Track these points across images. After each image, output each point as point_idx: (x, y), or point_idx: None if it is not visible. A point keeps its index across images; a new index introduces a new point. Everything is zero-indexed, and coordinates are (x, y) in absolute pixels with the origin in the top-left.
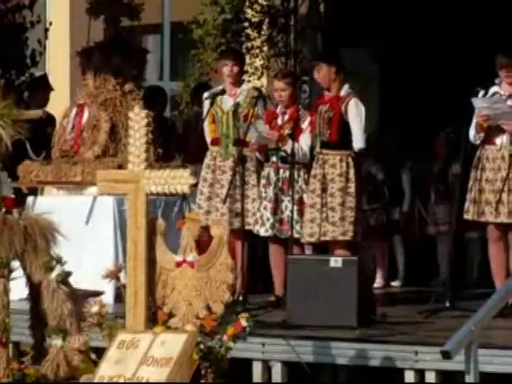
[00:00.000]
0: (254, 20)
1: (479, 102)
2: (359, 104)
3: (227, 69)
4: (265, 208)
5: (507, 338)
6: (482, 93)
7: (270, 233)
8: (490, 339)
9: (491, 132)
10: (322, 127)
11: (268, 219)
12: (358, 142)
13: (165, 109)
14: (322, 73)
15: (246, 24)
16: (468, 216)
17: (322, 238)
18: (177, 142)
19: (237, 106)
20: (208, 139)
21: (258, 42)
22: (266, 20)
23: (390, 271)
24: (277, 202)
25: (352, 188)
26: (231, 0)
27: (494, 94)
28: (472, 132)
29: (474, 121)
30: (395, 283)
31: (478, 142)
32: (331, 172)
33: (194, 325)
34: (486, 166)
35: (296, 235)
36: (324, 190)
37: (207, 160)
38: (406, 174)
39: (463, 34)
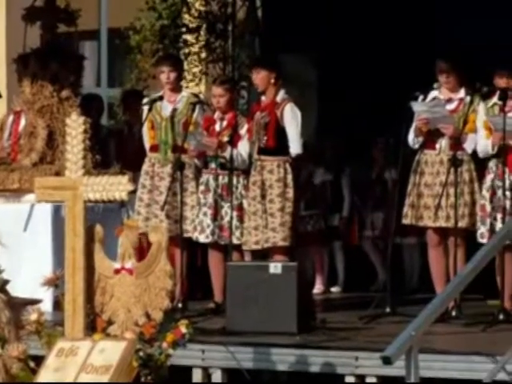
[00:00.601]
0: (191, 26)
1: (418, 106)
2: (295, 109)
3: (164, 75)
4: (204, 214)
5: (447, 342)
6: (421, 97)
7: (210, 239)
8: (431, 344)
9: (430, 136)
10: (259, 133)
11: (208, 226)
12: (295, 147)
13: (101, 115)
14: (260, 77)
15: (184, 30)
16: (406, 221)
17: (265, 245)
18: (114, 149)
19: (174, 112)
20: (147, 145)
21: (195, 48)
22: (204, 25)
23: (329, 277)
24: (216, 208)
25: (290, 193)
26: (168, 5)
27: (434, 98)
28: (411, 136)
29: (413, 125)
30: (335, 289)
31: (416, 146)
32: (269, 178)
33: (134, 332)
34: (424, 170)
35: (236, 241)
36: (263, 196)
37: (145, 166)
38: (345, 180)
39: (401, 39)
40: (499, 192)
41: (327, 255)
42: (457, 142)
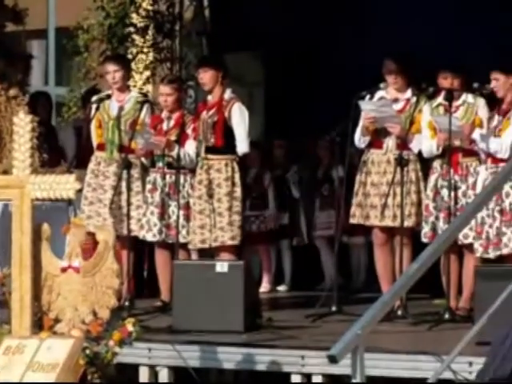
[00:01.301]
0: (139, 25)
1: (366, 105)
2: (242, 108)
3: (110, 75)
4: (152, 213)
5: (394, 342)
6: (367, 97)
7: (157, 238)
8: (377, 343)
9: (377, 135)
10: (206, 132)
11: (155, 224)
12: (242, 146)
13: (50, 114)
14: (208, 77)
15: (132, 29)
16: (354, 220)
17: (214, 244)
18: (63, 148)
19: (120, 111)
20: (94, 144)
21: (143, 48)
22: (152, 25)
23: (277, 275)
24: (163, 206)
25: (238, 192)
26: (116, 5)
27: (381, 98)
28: (357, 135)
29: (360, 124)
30: (282, 288)
31: (362, 145)
32: (217, 177)
33: (80, 330)
34: (371, 169)
35: (182, 240)
36: (211, 195)
37: (91, 165)
38: (292, 179)
39: (348, 39)
40: (443, 192)
41: (274, 254)
42: (403, 142)
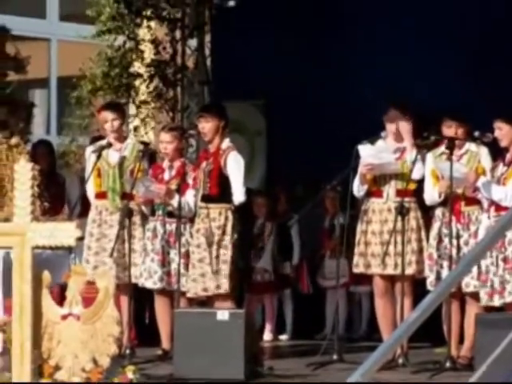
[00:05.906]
0: (145, 74)
1: (366, 150)
2: (238, 157)
3: (108, 124)
4: (152, 260)
5: None
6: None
7: (158, 285)
8: None
9: (376, 184)
10: (204, 181)
11: (156, 272)
12: (238, 195)
13: (54, 163)
14: (209, 126)
15: (136, 78)
16: (357, 270)
17: (205, 293)
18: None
19: (123, 159)
20: (92, 193)
21: (146, 96)
22: (155, 74)
23: (278, 324)
24: (164, 254)
25: (227, 241)
26: (120, 54)
27: None
28: (355, 184)
29: (359, 171)
30: (283, 336)
31: (361, 193)
32: (213, 226)
33: (81, 378)
34: (372, 218)
35: (182, 288)
36: (210, 243)
37: (92, 214)
38: (294, 228)
39: (350, 86)
40: (446, 240)
41: (277, 302)
42: (404, 190)
